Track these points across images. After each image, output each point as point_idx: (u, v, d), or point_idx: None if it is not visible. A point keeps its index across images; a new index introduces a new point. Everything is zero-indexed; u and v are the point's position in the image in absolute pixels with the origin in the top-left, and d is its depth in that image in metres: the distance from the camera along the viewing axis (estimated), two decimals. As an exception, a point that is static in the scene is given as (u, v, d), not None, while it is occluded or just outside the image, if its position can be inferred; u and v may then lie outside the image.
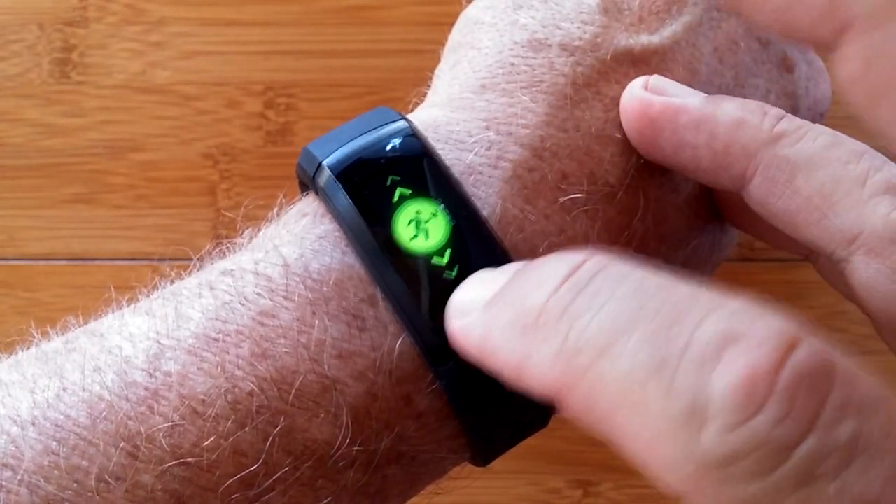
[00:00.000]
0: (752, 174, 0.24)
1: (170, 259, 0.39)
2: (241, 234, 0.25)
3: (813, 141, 0.24)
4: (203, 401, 0.21)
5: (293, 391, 0.22)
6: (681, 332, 0.17)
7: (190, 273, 0.24)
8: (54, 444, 0.21)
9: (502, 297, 0.20)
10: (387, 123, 0.24)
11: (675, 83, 0.25)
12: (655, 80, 0.25)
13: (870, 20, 0.16)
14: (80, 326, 0.24)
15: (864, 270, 0.23)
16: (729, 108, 0.24)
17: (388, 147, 0.24)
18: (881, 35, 0.16)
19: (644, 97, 0.25)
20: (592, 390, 0.17)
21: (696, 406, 0.16)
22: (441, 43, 0.30)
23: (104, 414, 0.21)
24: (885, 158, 0.23)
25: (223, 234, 0.40)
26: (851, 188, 0.23)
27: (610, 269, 0.19)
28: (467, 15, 0.29)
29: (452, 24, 0.30)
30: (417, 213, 0.23)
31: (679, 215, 0.25)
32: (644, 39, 0.26)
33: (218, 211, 0.40)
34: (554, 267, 0.19)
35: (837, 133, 0.24)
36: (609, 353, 0.17)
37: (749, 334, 0.16)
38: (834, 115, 0.30)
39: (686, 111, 0.24)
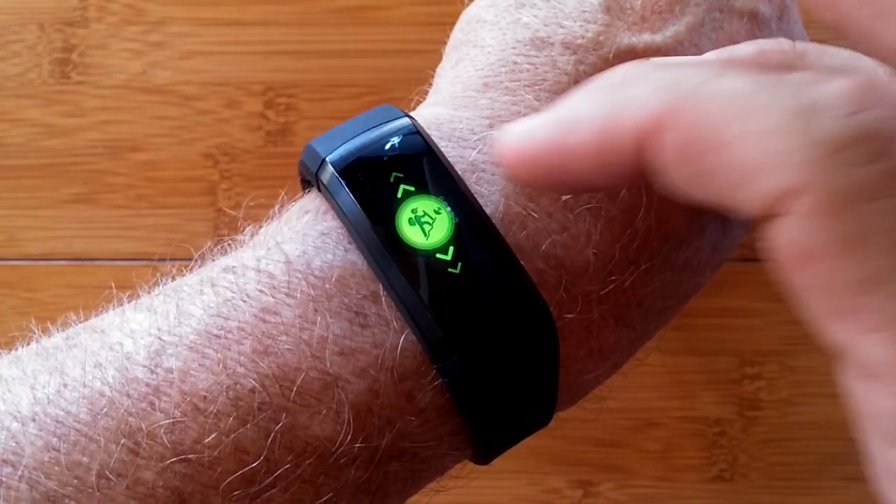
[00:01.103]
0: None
1: (170, 259, 0.39)
2: (243, 231, 0.25)
3: None
4: (204, 397, 0.21)
5: (295, 388, 0.22)
6: (779, 73, 0.19)
7: (191, 270, 0.24)
8: (55, 440, 0.21)
9: (576, 92, 0.21)
10: (390, 121, 0.24)
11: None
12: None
13: None
14: (80, 323, 0.24)
15: None
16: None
17: (391, 144, 0.24)
18: None
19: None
20: (701, 106, 0.18)
21: (810, 103, 0.17)
22: (441, 43, 0.30)
23: (105, 410, 0.21)
24: None
25: (223, 233, 0.39)
26: None
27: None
28: (469, 13, 0.29)
29: (453, 23, 0.30)
30: (420, 210, 0.23)
31: (681, 215, 0.25)
32: (647, 38, 0.26)
33: (218, 211, 0.40)
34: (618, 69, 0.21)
35: None
36: (714, 81, 0.18)
37: (856, 66, 0.19)
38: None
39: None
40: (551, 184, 0.22)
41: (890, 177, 0.17)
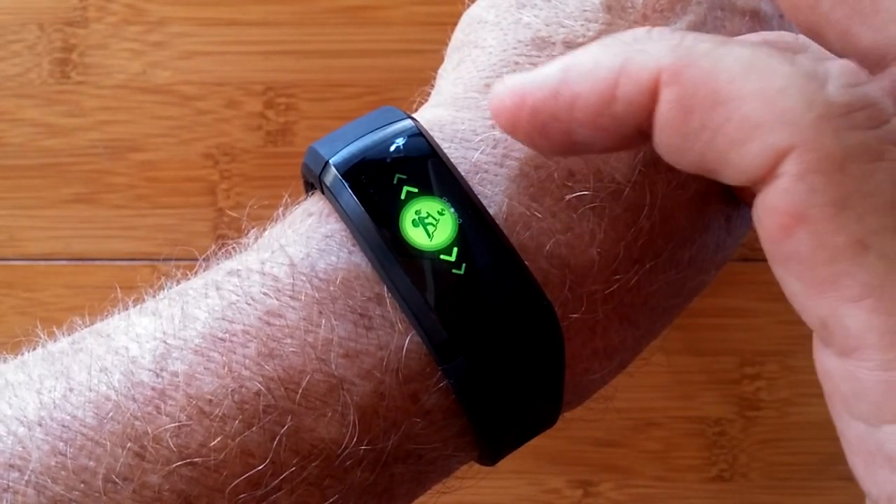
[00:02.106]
0: None
1: (170, 259, 0.39)
2: (247, 234, 0.25)
3: None
4: (210, 401, 0.21)
5: (300, 391, 0.22)
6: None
7: (196, 273, 0.24)
8: (61, 444, 0.21)
9: (584, 46, 0.21)
10: (392, 122, 0.24)
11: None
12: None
13: None
14: (86, 327, 0.24)
15: None
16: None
17: (394, 146, 0.24)
18: None
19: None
20: (713, 63, 0.19)
21: (818, 71, 0.18)
22: (442, 43, 0.30)
23: (111, 414, 0.21)
24: None
25: (223, 234, 0.39)
26: None
27: None
28: (470, 14, 0.29)
29: (453, 23, 0.30)
30: (424, 211, 0.23)
31: (685, 213, 0.25)
32: (648, 37, 0.26)
33: (218, 211, 0.40)
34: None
35: None
36: (729, 45, 0.19)
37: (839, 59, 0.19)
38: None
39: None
40: (547, 137, 0.22)
41: (884, 142, 0.18)
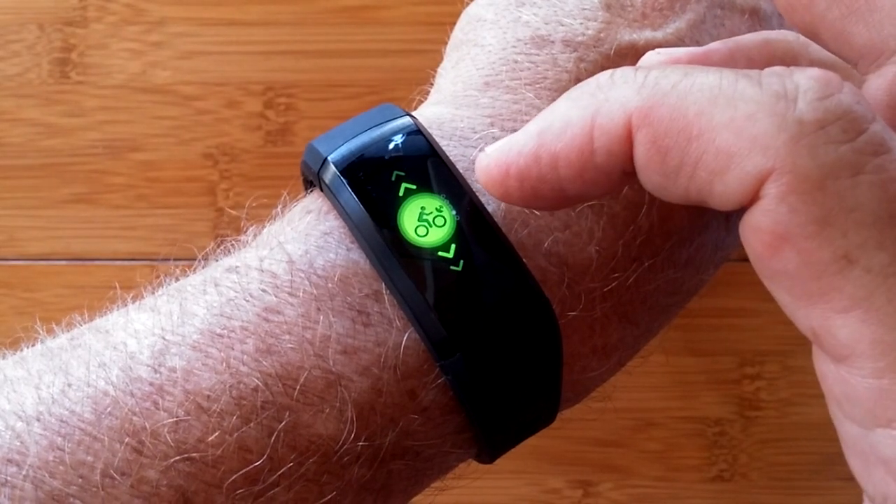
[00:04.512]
0: None
1: (170, 259, 0.39)
2: (246, 231, 0.25)
3: None
4: (208, 396, 0.21)
5: (298, 387, 0.22)
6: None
7: (195, 270, 0.24)
8: (59, 439, 0.21)
9: (551, 104, 0.21)
10: (391, 120, 0.24)
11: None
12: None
13: None
14: (84, 323, 0.24)
15: None
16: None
17: (393, 143, 0.24)
18: None
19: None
20: (681, 100, 0.19)
21: (786, 89, 0.18)
22: (442, 42, 0.30)
23: (109, 409, 0.21)
24: None
25: (223, 233, 0.39)
26: None
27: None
28: (469, 12, 0.29)
29: (453, 23, 0.30)
30: (422, 208, 0.23)
31: (684, 212, 0.25)
32: (647, 35, 0.26)
33: (218, 211, 0.40)
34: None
35: None
36: (693, 76, 0.19)
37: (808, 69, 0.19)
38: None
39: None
40: (542, 198, 0.22)
41: (862, 154, 0.17)
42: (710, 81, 0.19)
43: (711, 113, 0.18)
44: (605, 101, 0.20)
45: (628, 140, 0.19)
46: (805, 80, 0.18)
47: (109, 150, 0.40)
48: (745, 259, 0.38)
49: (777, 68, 0.19)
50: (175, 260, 0.38)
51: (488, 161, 0.22)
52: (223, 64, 0.40)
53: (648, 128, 0.19)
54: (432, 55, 0.30)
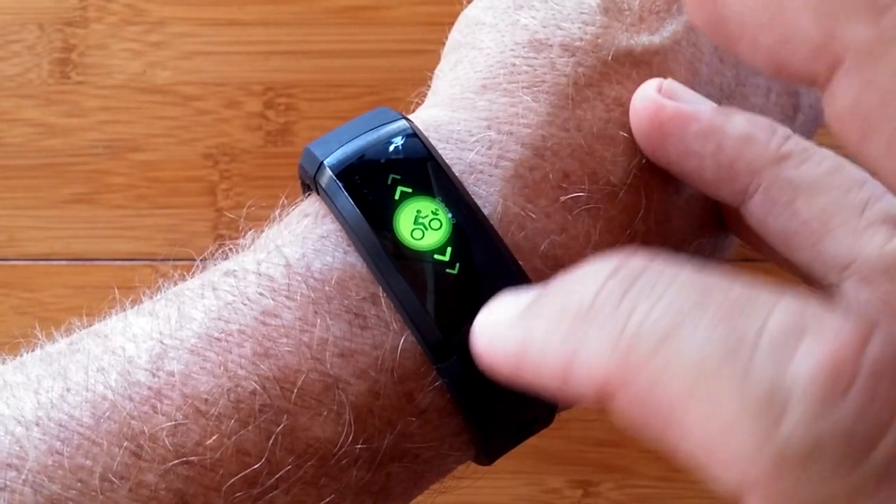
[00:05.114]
0: (754, 192, 0.24)
1: (170, 259, 0.39)
2: (244, 235, 0.25)
3: (817, 165, 0.24)
4: (206, 400, 0.21)
5: (295, 390, 0.22)
6: (751, 322, 0.16)
7: (193, 274, 0.25)
8: (58, 443, 0.21)
9: (541, 301, 0.19)
10: (387, 123, 0.25)
11: (688, 89, 0.25)
12: (669, 83, 0.25)
13: (861, 56, 0.15)
14: (83, 328, 0.24)
15: (853, 297, 0.23)
16: (738, 122, 0.24)
17: (389, 147, 0.24)
18: (871, 70, 0.15)
19: (657, 100, 0.25)
20: (654, 382, 0.16)
21: (775, 393, 0.15)
22: (441, 43, 0.30)
23: (108, 413, 0.21)
24: (885, 189, 0.23)
25: (223, 234, 0.40)
26: (850, 216, 0.23)
27: (658, 265, 0.17)
28: (467, 15, 0.29)
29: (452, 24, 0.30)
30: (418, 211, 0.23)
31: (681, 215, 0.25)
32: (645, 39, 0.26)
33: (218, 211, 0.40)
34: (594, 267, 0.18)
35: (841, 158, 0.24)
36: (674, 341, 0.16)
37: (822, 325, 0.15)
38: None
39: (696, 120, 0.24)
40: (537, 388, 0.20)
41: (856, 490, 0.14)
42: (692, 354, 0.16)
43: (686, 407, 0.16)
44: (581, 349, 0.17)
45: (603, 396, 0.17)
46: (811, 369, 0.15)
47: (109, 150, 0.40)
48: (746, 259, 0.38)
49: (784, 334, 0.15)
50: (175, 260, 0.38)
51: (479, 344, 0.21)
52: (223, 64, 0.40)
53: (623, 399, 0.17)
54: (432, 55, 0.30)
